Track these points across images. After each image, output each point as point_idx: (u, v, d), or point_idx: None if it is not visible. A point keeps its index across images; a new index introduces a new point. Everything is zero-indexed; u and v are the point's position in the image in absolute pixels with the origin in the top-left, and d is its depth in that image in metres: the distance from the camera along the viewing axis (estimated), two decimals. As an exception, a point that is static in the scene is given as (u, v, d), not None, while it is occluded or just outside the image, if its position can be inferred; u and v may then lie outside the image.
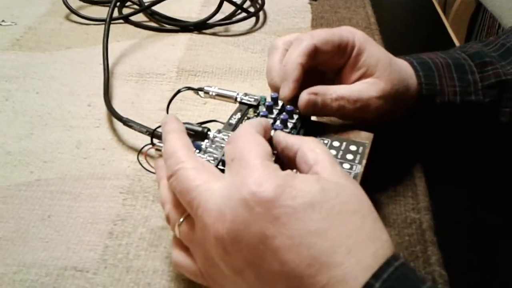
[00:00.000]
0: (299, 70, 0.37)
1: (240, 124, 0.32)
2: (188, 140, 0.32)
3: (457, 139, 0.45)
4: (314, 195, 0.25)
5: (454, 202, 0.41)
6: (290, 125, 0.37)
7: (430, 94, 0.41)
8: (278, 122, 0.37)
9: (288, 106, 0.38)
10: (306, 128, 0.38)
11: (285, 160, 0.32)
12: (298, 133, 0.37)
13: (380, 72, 0.39)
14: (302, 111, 0.38)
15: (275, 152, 0.32)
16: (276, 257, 0.25)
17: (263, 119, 0.33)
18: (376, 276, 0.24)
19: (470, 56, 0.43)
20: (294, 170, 0.30)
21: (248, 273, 0.26)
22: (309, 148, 0.30)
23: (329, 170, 0.28)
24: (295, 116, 0.37)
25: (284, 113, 0.37)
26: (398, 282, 0.24)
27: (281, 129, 0.35)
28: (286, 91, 0.37)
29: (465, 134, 0.45)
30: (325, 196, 0.26)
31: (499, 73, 0.42)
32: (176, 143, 0.31)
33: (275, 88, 0.39)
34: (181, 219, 0.29)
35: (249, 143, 0.29)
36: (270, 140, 0.32)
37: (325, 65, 0.40)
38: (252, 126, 0.31)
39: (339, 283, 0.24)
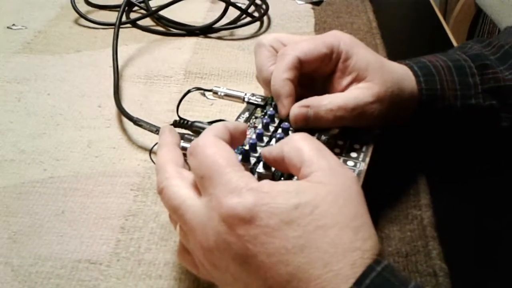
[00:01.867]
0: (289, 85, 0.37)
1: (203, 132, 0.31)
2: (178, 153, 0.32)
3: (459, 139, 0.46)
4: (289, 212, 0.26)
5: (454, 199, 0.42)
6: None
7: (431, 99, 0.41)
8: (285, 121, 0.38)
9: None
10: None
11: (282, 171, 0.32)
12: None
13: (372, 75, 0.38)
14: (293, 125, 0.37)
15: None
16: (258, 275, 0.26)
17: (230, 122, 0.32)
18: (358, 283, 0.24)
19: (471, 57, 0.43)
20: (295, 178, 0.31)
21: (237, 285, 0.27)
22: (293, 149, 0.29)
23: (315, 170, 0.28)
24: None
25: (290, 113, 0.38)
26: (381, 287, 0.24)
27: (288, 128, 0.37)
28: (282, 110, 0.37)
29: (467, 137, 0.46)
30: (301, 213, 0.26)
31: (499, 78, 0.42)
32: (165, 157, 0.31)
33: (268, 86, 0.39)
34: (178, 225, 0.30)
35: (213, 155, 0.28)
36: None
37: (313, 73, 0.40)
38: (213, 133, 0.30)
39: None
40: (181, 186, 0.29)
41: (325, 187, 0.27)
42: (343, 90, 0.39)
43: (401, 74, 0.41)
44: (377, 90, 0.38)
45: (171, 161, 0.31)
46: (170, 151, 0.32)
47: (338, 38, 0.39)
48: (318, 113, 0.37)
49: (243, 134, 0.33)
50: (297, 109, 0.37)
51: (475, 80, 0.42)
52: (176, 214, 0.29)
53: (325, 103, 0.37)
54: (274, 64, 0.39)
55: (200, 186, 0.28)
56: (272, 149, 0.31)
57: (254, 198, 0.26)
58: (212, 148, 0.28)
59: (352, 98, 0.37)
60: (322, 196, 0.26)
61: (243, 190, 0.26)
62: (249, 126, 0.39)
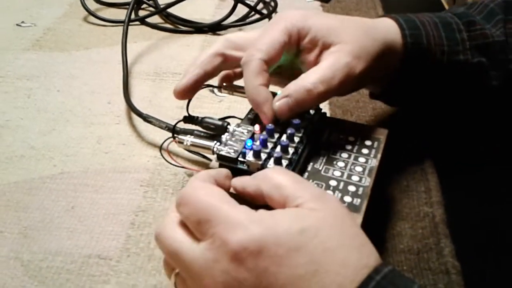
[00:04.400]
0: (263, 91, 0.35)
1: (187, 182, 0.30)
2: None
3: (469, 134, 0.46)
4: (295, 238, 0.25)
5: (466, 196, 0.41)
6: (307, 120, 0.38)
7: (416, 54, 0.39)
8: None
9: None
10: (322, 124, 0.39)
11: (255, 204, 0.30)
12: (314, 128, 0.38)
13: (337, 37, 0.36)
14: (280, 119, 0.36)
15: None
16: None
17: (212, 169, 0.32)
18: None
19: (457, 15, 0.42)
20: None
21: None
22: (272, 187, 0.29)
23: (302, 202, 0.27)
24: (312, 111, 0.38)
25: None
26: None
27: (299, 124, 0.36)
28: (264, 118, 0.36)
29: (456, 99, 0.44)
30: (307, 237, 0.25)
31: (487, 34, 0.40)
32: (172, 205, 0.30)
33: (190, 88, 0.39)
34: (175, 272, 0.29)
35: (204, 196, 0.27)
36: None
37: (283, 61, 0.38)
38: (197, 179, 0.29)
39: None
40: (177, 231, 0.28)
41: (320, 212, 0.27)
42: (316, 63, 0.37)
43: (369, 23, 0.39)
44: (349, 48, 0.36)
45: (173, 209, 0.29)
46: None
47: (289, 20, 0.37)
48: (298, 98, 0.35)
49: (228, 178, 0.32)
50: (277, 104, 0.35)
51: (462, 36, 0.41)
52: (174, 259, 0.28)
53: (302, 85, 0.35)
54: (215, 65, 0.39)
55: (198, 232, 0.27)
56: (246, 185, 0.30)
57: (259, 228, 0.25)
58: (201, 190, 0.28)
59: (327, 67, 0.35)
60: (321, 219, 0.26)
61: (245, 223, 0.26)
62: (259, 122, 0.39)
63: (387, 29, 0.39)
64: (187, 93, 0.39)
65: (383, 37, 0.38)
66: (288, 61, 0.39)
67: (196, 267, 0.26)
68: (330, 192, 0.34)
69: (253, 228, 0.25)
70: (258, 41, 0.37)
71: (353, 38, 0.37)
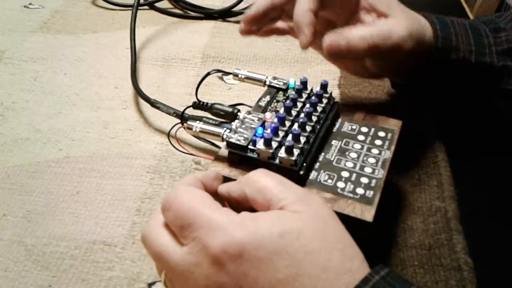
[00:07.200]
0: (310, 15, 0.35)
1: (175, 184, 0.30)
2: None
3: (483, 127, 0.45)
4: (276, 241, 0.25)
5: (480, 192, 0.40)
6: (319, 109, 0.37)
7: (446, 48, 0.39)
8: (307, 105, 0.37)
9: (318, 90, 0.38)
10: (335, 113, 0.38)
11: (243, 208, 0.29)
12: (327, 117, 0.37)
13: (395, 12, 0.37)
14: (326, 55, 0.36)
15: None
16: None
17: (200, 173, 0.31)
18: None
19: (484, 22, 0.42)
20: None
21: None
22: (255, 190, 0.28)
23: (286, 204, 0.27)
24: (324, 101, 0.38)
25: (313, 97, 0.37)
26: None
27: (311, 113, 0.35)
28: (303, 38, 0.35)
29: (478, 100, 0.44)
30: (287, 241, 0.25)
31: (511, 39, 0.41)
32: (158, 208, 0.30)
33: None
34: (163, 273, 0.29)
35: (187, 201, 0.27)
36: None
37: (335, 14, 0.39)
38: (183, 183, 0.29)
39: None
40: (162, 234, 0.28)
41: (303, 214, 0.26)
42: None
43: (420, 17, 0.40)
44: (406, 25, 0.37)
45: (155, 216, 0.29)
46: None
47: None
48: (351, 41, 0.35)
49: (217, 180, 0.31)
50: (328, 38, 0.36)
51: (489, 40, 0.41)
52: (159, 261, 0.28)
53: (358, 30, 0.36)
54: None
55: (181, 236, 0.27)
56: (231, 190, 0.30)
57: (239, 232, 0.25)
58: (185, 195, 0.28)
59: (386, 28, 0.36)
60: (303, 222, 0.26)
61: (225, 226, 0.25)
62: (270, 110, 0.38)
63: (424, 21, 0.40)
64: (255, 23, 0.38)
65: (429, 35, 0.39)
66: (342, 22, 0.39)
67: (179, 271, 0.26)
68: (341, 183, 0.33)
69: (234, 231, 0.25)
70: None
71: (409, 19, 0.38)
